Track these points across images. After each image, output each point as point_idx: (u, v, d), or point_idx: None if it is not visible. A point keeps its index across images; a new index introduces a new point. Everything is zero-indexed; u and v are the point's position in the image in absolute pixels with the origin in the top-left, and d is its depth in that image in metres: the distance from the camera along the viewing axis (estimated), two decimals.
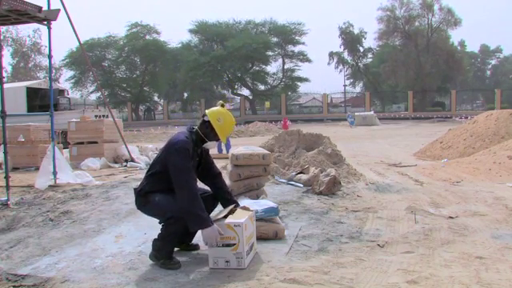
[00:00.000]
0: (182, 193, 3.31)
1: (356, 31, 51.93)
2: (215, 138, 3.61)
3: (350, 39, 51.30)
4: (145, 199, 3.52)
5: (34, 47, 53.50)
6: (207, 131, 3.58)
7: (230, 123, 3.65)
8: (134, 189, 3.64)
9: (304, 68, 56.14)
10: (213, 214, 3.68)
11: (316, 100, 49.18)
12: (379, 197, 6.07)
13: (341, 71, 54.16)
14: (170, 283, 3.12)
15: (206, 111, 3.66)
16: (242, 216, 3.48)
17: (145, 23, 49.54)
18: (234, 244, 3.33)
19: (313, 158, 7.67)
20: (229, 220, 3.41)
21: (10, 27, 46.05)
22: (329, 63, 53.73)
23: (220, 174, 3.87)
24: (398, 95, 48.56)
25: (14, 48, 52.38)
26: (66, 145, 12.21)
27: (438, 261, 3.48)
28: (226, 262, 3.35)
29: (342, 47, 52.32)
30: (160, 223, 3.53)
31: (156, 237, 3.51)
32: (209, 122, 3.57)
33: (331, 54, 53.40)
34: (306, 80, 50.57)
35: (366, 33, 51.69)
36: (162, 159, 3.53)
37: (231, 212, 3.57)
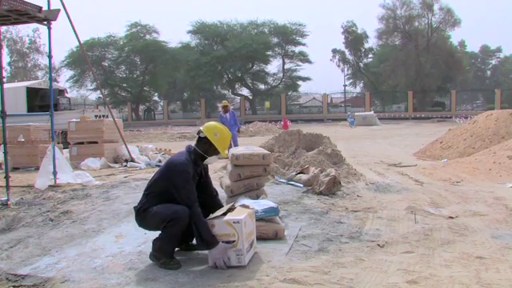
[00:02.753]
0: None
1: (359, 31, 51.94)
2: (215, 152, 3.68)
3: (353, 38, 51.26)
4: (143, 214, 3.56)
5: (32, 46, 53.49)
6: (206, 147, 3.65)
7: (227, 135, 3.73)
8: (134, 207, 3.68)
9: (304, 68, 55.95)
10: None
11: (316, 100, 49.12)
12: (379, 197, 6.06)
13: (342, 71, 54.24)
14: (169, 283, 3.12)
15: (201, 128, 3.71)
16: (242, 213, 3.48)
17: (144, 23, 49.61)
18: (234, 241, 3.33)
19: (313, 158, 7.68)
20: (228, 217, 3.42)
21: (10, 27, 46.05)
22: (331, 59, 53.77)
23: (217, 193, 3.97)
24: (398, 95, 48.48)
25: (10, 49, 52.36)
26: (66, 145, 12.20)
27: (438, 261, 3.48)
28: (225, 260, 3.35)
29: (345, 45, 52.33)
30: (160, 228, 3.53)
31: (156, 237, 3.51)
32: (206, 137, 3.62)
33: (334, 51, 53.35)
34: (307, 79, 50.64)
35: (368, 36, 51.78)
36: (161, 181, 3.57)
37: (230, 210, 3.58)
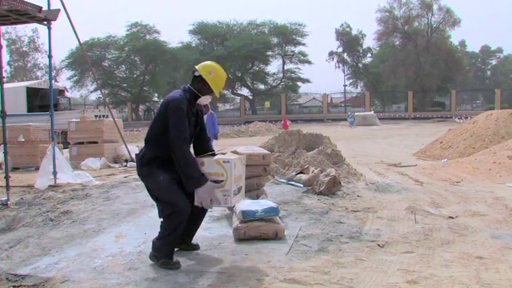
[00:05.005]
0: (176, 156, 3.34)
1: (354, 32, 51.97)
2: (209, 91, 3.58)
3: (349, 40, 51.27)
4: (148, 169, 3.47)
5: (32, 45, 53.54)
6: (200, 86, 3.56)
7: (221, 75, 3.64)
8: (136, 154, 3.60)
9: (304, 68, 55.96)
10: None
11: (316, 100, 49.15)
12: (379, 197, 6.06)
13: (343, 71, 54.19)
14: (170, 283, 3.12)
15: (196, 66, 3.64)
16: (232, 156, 3.50)
17: (145, 23, 49.63)
18: (222, 181, 3.32)
19: (313, 158, 7.68)
20: (218, 156, 3.43)
21: (9, 28, 46.06)
22: (328, 61, 53.83)
23: (210, 139, 3.90)
24: (398, 95, 48.53)
25: (10, 49, 52.38)
26: (66, 145, 12.21)
27: (438, 261, 3.48)
28: (212, 199, 3.34)
29: (341, 48, 52.31)
30: (160, 217, 3.51)
31: (156, 236, 3.50)
32: (200, 76, 3.54)
33: (331, 54, 53.39)
34: (307, 81, 50.66)
35: (364, 35, 51.74)
36: (158, 121, 3.50)
37: (221, 153, 3.60)
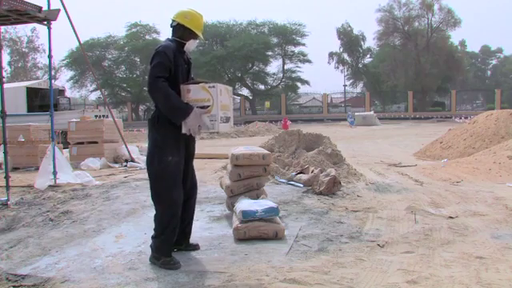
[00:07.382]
0: (154, 94, 3.33)
1: (355, 32, 52.00)
2: (191, 36, 3.61)
3: (349, 40, 51.28)
4: (164, 138, 3.43)
5: (31, 45, 53.54)
6: (180, 33, 3.59)
7: (197, 15, 3.63)
8: (149, 119, 3.55)
9: (304, 68, 55.92)
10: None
11: (316, 100, 49.16)
12: (379, 197, 6.06)
13: (342, 72, 54.16)
14: (169, 283, 3.12)
15: (171, 17, 3.65)
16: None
17: (144, 23, 49.67)
18: (208, 106, 3.35)
19: (313, 158, 7.67)
20: (203, 83, 3.45)
21: (9, 27, 46.05)
22: (329, 62, 53.80)
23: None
24: (398, 95, 48.52)
25: (11, 49, 52.37)
26: (66, 145, 12.21)
27: (438, 261, 3.48)
28: (200, 126, 3.35)
29: (342, 48, 52.31)
30: (152, 198, 3.51)
31: (151, 235, 3.50)
32: (178, 23, 3.58)
33: (331, 54, 53.40)
34: (306, 82, 50.63)
35: (365, 37, 51.76)
36: None
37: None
